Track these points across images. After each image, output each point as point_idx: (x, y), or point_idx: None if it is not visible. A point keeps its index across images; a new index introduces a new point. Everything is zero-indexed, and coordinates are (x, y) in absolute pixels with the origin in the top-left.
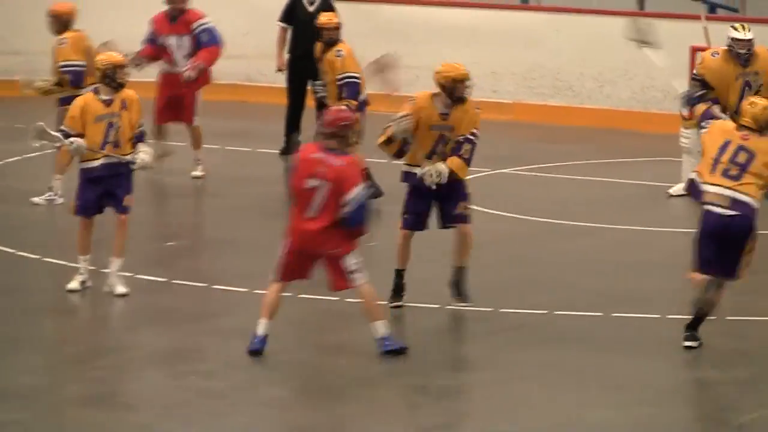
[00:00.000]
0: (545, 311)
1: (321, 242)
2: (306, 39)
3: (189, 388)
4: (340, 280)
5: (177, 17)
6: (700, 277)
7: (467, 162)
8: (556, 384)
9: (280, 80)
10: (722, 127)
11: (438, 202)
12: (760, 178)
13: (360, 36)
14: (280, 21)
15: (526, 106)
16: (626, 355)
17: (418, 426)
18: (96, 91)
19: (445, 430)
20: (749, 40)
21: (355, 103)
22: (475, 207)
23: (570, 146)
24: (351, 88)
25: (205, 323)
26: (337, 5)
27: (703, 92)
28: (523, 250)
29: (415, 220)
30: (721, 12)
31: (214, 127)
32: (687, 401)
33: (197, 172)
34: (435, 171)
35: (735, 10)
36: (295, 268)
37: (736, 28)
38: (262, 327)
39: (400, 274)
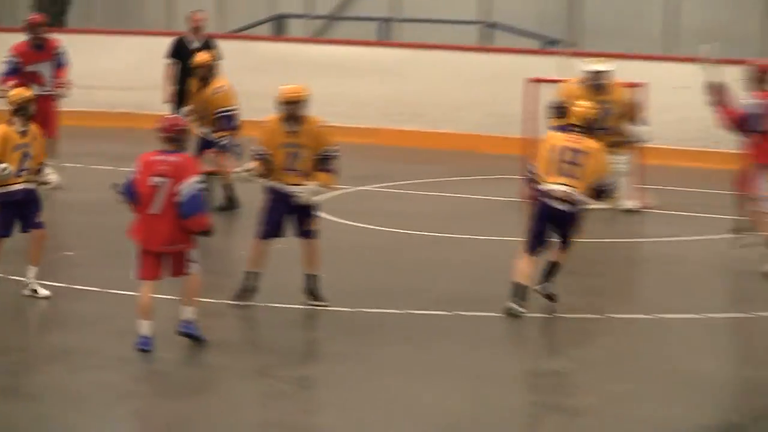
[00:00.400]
0: (401, 311)
1: (165, 237)
2: (190, 74)
3: (86, 381)
4: (180, 268)
5: (42, 45)
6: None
7: (334, 174)
8: (410, 375)
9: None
10: (554, 135)
11: (291, 216)
12: (590, 174)
13: (241, 70)
14: (168, 57)
15: (386, 131)
16: (472, 348)
17: (283, 412)
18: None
19: (307, 416)
20: (603, 72)
21: (230, 132)
22: (339, 219)
23: (424, 166)
24: (227, 121)
25: (101, 324)
26: (219, 42)
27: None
28: (381, 258)
29: (270, 231)
30: (561, 47)
31: (106, 149)
32: (527, 387)
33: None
34: (309, 191)
35: (574, 45)
36: (151, 265)
37: (593, 62)
38: (144, 328)
39: (253, 276)
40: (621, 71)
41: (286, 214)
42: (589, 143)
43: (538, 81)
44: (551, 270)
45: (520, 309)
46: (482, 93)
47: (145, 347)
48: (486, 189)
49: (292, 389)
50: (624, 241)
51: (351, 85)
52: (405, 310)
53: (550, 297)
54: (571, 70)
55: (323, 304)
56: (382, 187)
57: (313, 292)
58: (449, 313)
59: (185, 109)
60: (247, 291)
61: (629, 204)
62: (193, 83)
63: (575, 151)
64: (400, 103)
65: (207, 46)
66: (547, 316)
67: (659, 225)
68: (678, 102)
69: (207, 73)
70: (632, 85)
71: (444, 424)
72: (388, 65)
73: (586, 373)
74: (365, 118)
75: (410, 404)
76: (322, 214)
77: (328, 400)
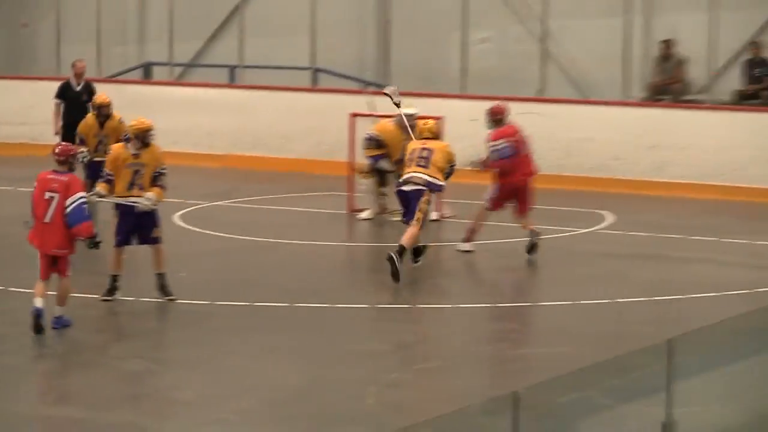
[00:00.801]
0: (247, 303)
1: (54, 242)
2: (74, 111)
3: None
4: (61, 269)
5: None
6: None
7: (164, 189)
8: (255, 357)
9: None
10: (413, 143)
11: (138, 226)
12: (440, 165)
13: (115, 108)
14: (55, 98)
15: (234, 157)
16: (307, 333)
17: (151, 387)
18: None
19: (171, 391)
20: (412, 115)
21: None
22: (195, 228)
23: (265, 185)
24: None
25: (5, 316)
26: (97, 85)
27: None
28: (230, 259)
29: (124, 239)
30: (370, 87)
31: (6, 173)
32: (353, 366)
33: None
34: (148, 200)
35: (382, 86)
36: (46, 266)
37: (407, 105)
38: (38, 302)
39: (115, 278)
40: (424, 106)
41: (134, 225)
42: (436, 144)
43: (356, 116)
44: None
45: (397, 264)
46: (313, 125)
47: (37, 314)
48: (316, 203)
49: (157, 368)
50: (430, 245)
51: (206, 119)
52: (250, 303)
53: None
54: (375, 107)
55: (173, 297)
56: (231, 203)
57: (163, 288)
58: (287, 305)
59: (79, 137)
60: (113, 290)
61: (434, 215)
62: (92, 118)
63: (425, 149)
64: (246, 134)
65: (87, 88)
66: (366, 306)
67: (457, 232)
68: (470, 132)
69: (107, 110)
70: (434, 118)
71: (284, 397)
72: (236, 103)
73: (401, 353)
74: (217, 146)
75: (256, 382)
76: (181, 224)
77: (188, 378)
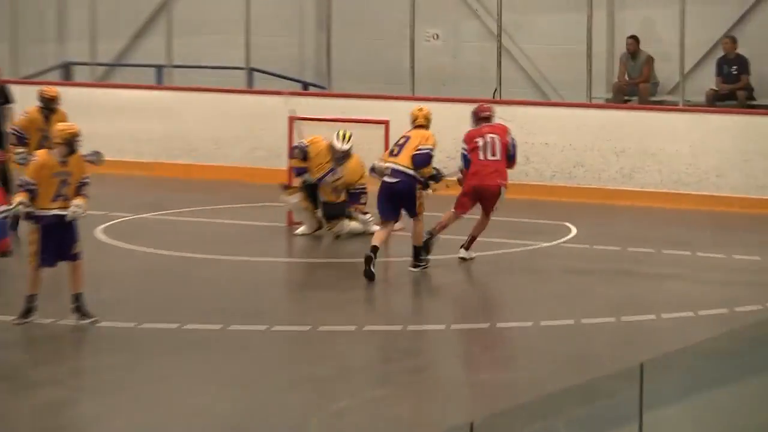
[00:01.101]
0: (178, 325)
1: None
2: None
3: None
4: None
5: None
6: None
7: (86, 198)
8: (183, 383)
9: None
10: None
11: (59, 243)
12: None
13: None
14: None
15: (164, 165)
16: (239, 356)
17: (68, 418)
18: None
19: (96, 422)
20: (346, 151)
21: None
22: (119, 243)
23: (198, 195)
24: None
25: None
26: (13, 87)
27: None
28: (161, 277)
29: (49, 261)
30: (312, 89)
31: None
32: (291, 393)
33: None
34: (78, 207)
35: (323, 87)
36: None
37: (339, 140)
38: None
39: (31, 298)
40: (370, 109)
41: (58, 241)
42: (418, 132)
43: (295, 119)
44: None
45: (372, 268)
46: (248, 130)
47: None
48: (252, 215)
49: (79, 396)
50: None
51: (131, 124)
52: (180, 325)
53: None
54: (297, 108)
55: (95, 319)
56: (159, 215)
57: (80, 310)
58: (220, 327)
59: (16, 133)
60: (29, 311)
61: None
62: (36, 111)
63: (404, 137)
64: (176, 140)
65: (1, 90)
66: (307, 328)
67: (407, 246)
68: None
69: (55, 104)
70: (381, 122)
71: (219, 427)
72: (164, 106)
73: (347, 379)
74: (144, 153)
75: (187, 411)
76: (104, 239)
77: (113, 408)
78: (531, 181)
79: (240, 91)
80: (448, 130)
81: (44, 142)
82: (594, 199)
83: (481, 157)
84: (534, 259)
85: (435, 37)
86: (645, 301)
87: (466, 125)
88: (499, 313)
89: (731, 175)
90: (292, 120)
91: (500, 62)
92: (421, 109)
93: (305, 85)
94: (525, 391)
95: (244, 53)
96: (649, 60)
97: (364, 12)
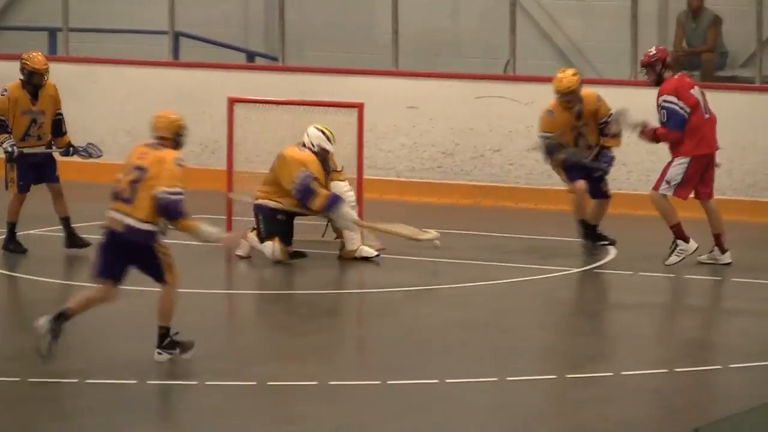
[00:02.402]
0: (78, 380)
1: None
2: None
3: None
4: None
5: None
6: None
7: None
8: None
9: None
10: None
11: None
12: None
13: None
14: None
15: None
16: (168, 423)
17: None
18: None
19: None
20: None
21: None
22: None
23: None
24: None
25: None
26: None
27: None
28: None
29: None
30: (260, 61)
31: None
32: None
33: None
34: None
35: (275, 59)
36: None
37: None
38: None
39: None
40: (340, 87)
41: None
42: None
43: (237, 101)
44: None
45: None
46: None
47: None
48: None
49: None
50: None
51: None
52: (80, 380)
53: None
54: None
55: None
56: (53, 231)
57: None
58: (135, 382)
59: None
60: None
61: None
62: (18, 89)
63: None
64: (76, 128)
65: None
66: (253, 383)
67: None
68: (407, 125)
69: (42, 78)
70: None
71: None
72: (60, 83)
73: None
74: None
75: None
76: None
77: None
78: (557, 186)
79: (163, 64)
80: (444, 118)
81: (32, 127)
82: (639, 210)
83: (706, 115)
84: (561, 290)
85: None
86: (706, 346)
87: (467, 108)
88: (517, 360)
89: None
90: (235, 103)
91: (514, 25)
92: None
93: (250, 56)
94: None
95: (167, 12)
96: (717, 21)
97: None
